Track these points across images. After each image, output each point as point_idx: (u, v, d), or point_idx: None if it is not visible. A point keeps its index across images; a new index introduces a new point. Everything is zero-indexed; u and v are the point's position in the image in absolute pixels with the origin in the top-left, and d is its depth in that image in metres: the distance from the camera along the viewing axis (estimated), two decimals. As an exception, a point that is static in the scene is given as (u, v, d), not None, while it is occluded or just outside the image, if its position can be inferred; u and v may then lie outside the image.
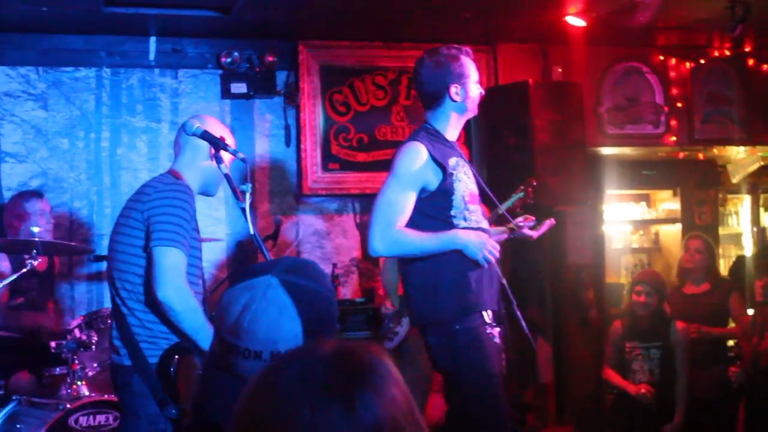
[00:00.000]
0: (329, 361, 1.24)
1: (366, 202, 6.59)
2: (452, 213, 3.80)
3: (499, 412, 3.77)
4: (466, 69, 3.92)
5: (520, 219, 4.14)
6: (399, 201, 3.75)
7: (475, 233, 3.77)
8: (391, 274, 5.57)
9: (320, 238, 6.87)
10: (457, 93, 3.89)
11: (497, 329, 3.81)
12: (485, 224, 3.98)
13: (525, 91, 6.40)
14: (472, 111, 4.00)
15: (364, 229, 6.55)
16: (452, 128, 3.98)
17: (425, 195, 3.80)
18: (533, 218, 4.13)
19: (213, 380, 1.72)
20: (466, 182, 3.86)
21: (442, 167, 3.78)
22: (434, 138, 3.89)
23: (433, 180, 3.78)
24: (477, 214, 3.90)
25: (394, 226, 3.70)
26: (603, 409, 6.51)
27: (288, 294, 1.67)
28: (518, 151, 6.26)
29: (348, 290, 6.78)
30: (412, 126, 6.81)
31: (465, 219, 3.82)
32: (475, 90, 3.94)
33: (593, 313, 7.41)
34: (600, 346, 6.58)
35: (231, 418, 1.25)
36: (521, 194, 4.63)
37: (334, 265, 6.61)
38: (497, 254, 3.80)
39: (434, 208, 3.80)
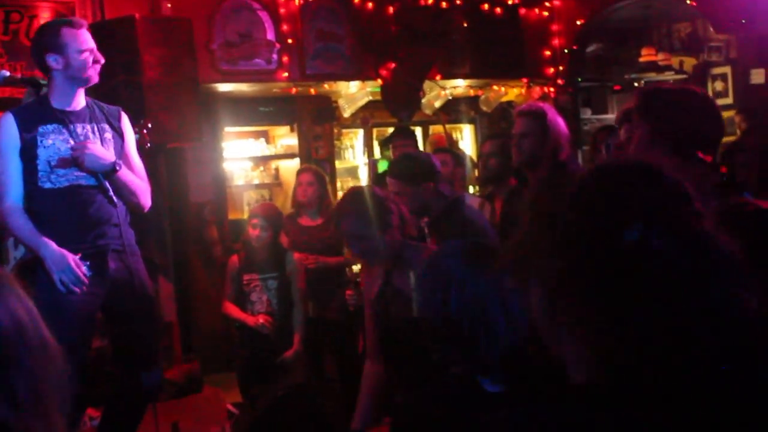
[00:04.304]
0: None
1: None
2: (39, 176, 3.96)
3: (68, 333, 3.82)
4: (65, 39, 4.00)
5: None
6: (4, 170, 3.97)
7: (63, 254, 3.89)
8: None
9: None
10: (56, 61, 3.99)
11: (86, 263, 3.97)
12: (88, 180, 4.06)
13: (132, 26, 6.19)
14: (84, 78, 4.05)
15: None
16: (58, 95, 4.06)
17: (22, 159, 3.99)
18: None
19: None
20: (59, 147, 3.99)
21: (27, 134, 3.96)
22: (36, 106, 4.09)
23: (23, 146, 3.97)
24: (72, 175, 4.01)
25: (7, 198, 3.94)
26: (230, 344, 6.57)
27: None
28: (127, 88, 6.05)
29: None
30: (13, 63, 6.41)
31: (51, 181, 3.99)
32: (76, 59, 4.00)
33: (217, 249, 7.46)
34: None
35: None
36: (136, 137, 4.52)
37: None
38: (81, 279, 3.91)
39: (25, 172, 3.98)
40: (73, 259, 3.90)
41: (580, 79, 9.94)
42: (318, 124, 8.64)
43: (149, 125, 4.56)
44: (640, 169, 1.37)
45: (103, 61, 4.08)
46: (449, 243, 2.52)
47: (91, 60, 4.03)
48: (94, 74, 4.06)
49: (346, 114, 8.72)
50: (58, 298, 3.84)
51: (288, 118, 8.57)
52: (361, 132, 9.57)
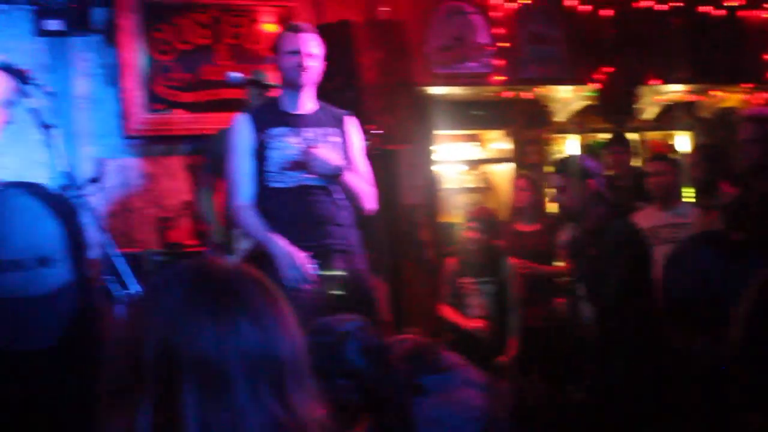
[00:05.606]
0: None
1: (193, 143, 6.40)
2: (268, 176, 4.11)
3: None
4: (280, 41, 4.19)
5: None
6: (238, 169, 4.16)
7: (292, 252, 3.93)
8: (205, 203, 5.62)
9: (147, 181, 6.57)
10: (276, 62, 4.23)
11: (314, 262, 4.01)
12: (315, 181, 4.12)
13: (350, 29, 6.30)
14: (293, 81, 4.15)
15: (193, 171, 6.36)
16: (285, 98, 4.22)
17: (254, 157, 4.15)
18: None
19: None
20: (287, 150, 4.10)
21: (259, 135, 4.12)
22: (266, 108, 4.28)
23: (255, 147, 4.14)
24: (300, 176, 4.11)
25: (239, 196, 4.13)
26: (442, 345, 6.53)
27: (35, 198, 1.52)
28: (345, 90, 6.15)
29: (181, 235, 6.53)
30: (239, 66, 6.62)
31: (280, 181, 4.11)
32: (286, 61, 4.13)
33: (429, 252, 7.45)
34: (436, 284, 6.61)
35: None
36: (367, 143, 4.60)
37: (163, 209, 6.41)
38: (308, 277, 3.93)
39: (256, 172, 4.15)
40: (302, 256, 3.96)
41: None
42: (530, 128, 8.50)
43: (377, 130, 4.66)
44: None
45: (306, 65, 4.09)
46: (694, 234, 2.40)
47: (296, 63, 4.08)
48: (303, 79, 4.11)
49: (559, 119, 8.55)
50: (285, 294, 3.88)
51: (499, 121, 8.47)
52: (573, 138, 9.34)
